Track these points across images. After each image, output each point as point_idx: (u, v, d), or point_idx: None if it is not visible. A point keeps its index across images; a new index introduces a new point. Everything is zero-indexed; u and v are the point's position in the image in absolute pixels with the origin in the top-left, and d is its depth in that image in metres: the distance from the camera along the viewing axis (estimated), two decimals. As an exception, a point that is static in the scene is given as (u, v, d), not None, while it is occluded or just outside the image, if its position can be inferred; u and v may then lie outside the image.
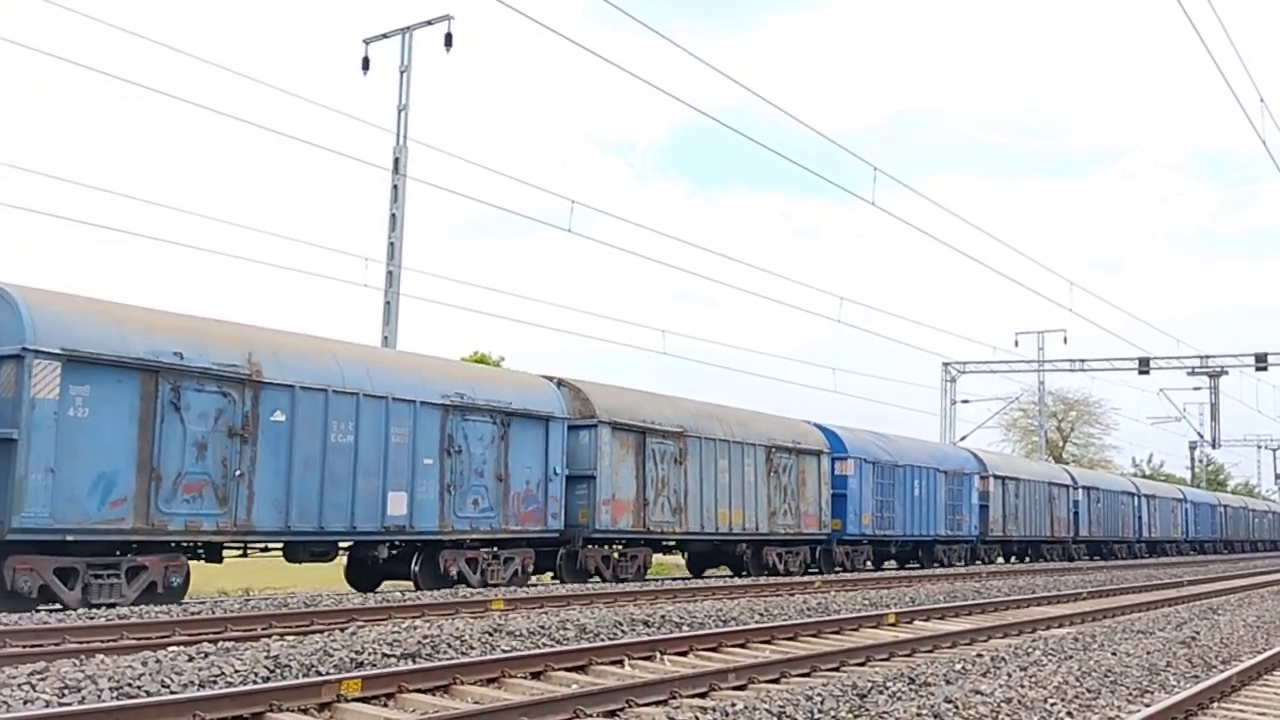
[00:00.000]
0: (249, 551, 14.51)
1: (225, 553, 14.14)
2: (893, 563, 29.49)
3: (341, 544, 15.29)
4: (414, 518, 15.45)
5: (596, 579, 18.97)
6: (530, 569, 17.74)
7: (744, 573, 22.81)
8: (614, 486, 18.98)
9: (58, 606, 11.77)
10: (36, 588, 11.60)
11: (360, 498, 14.69)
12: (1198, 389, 47.23)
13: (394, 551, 15.84)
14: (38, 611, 11.44)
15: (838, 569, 25.12)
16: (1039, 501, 35.03)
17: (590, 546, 18.85)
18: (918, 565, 29.14)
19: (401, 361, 16.40)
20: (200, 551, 13.82)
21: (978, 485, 31.27)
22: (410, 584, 16.23)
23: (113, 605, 11.91)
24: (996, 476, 32.31)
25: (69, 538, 11.74)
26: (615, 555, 19.42)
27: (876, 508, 26.37)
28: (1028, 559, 35.51)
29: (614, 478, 18.99)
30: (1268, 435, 75.55)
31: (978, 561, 31.14)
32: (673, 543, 21.46)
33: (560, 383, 18.97)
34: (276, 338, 14.42)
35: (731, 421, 22.28)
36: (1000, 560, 33.37)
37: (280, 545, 14.56)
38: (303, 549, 14.61)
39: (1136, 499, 44.17)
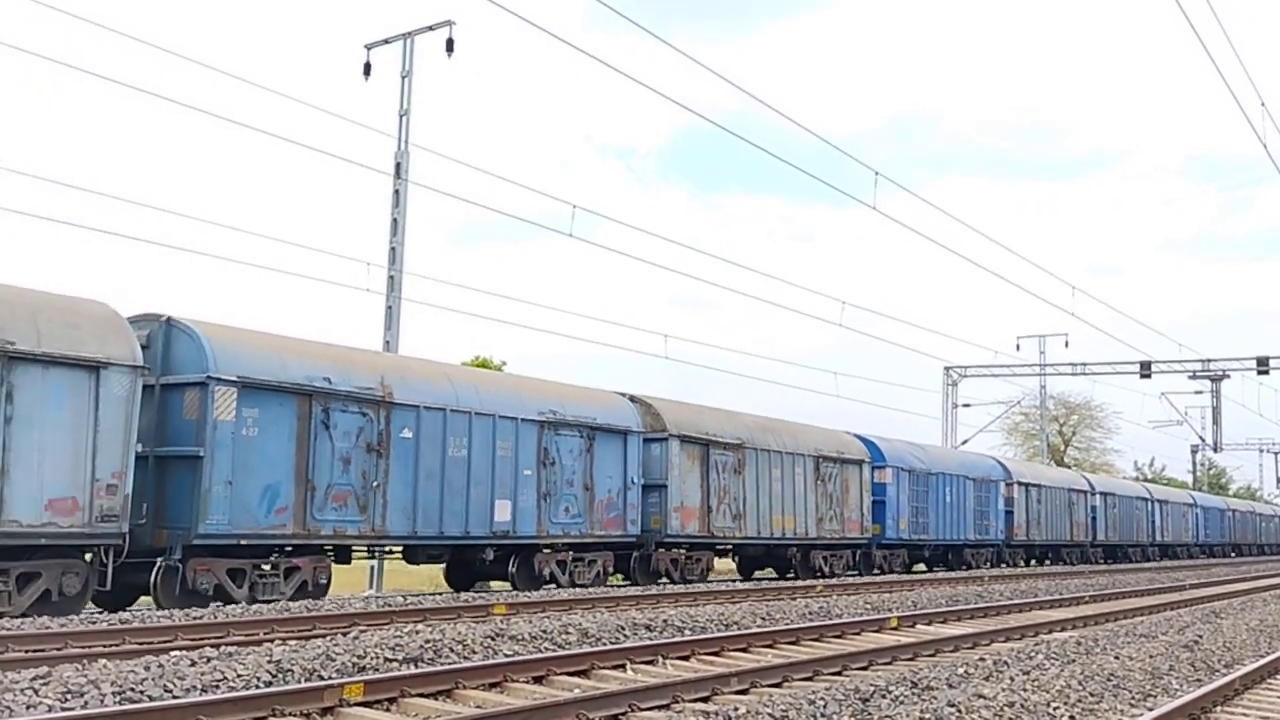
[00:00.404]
0: (375, 553, 16.14)
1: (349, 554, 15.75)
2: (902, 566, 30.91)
3: (453, 547, 16.88)
4: (516, 523, 17.08)
5: (665, 580, 20.58)
6: (610, 570, 19.36)
7: (791, 574, 24.43)
8: (682, 495, 20.60)
9: (221, 603, 13.34)
10: (212, 586, 13.22)
11: (473, 505, 16.33)
12: (1199, 393, 47.04)
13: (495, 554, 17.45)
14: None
15: (876, 571, 26.74)
16: (1059, 507, 36.62)
17: (661, 550, 20.47)
18: (945, 568, 30.71)
19: (504, 382, 18.03)
20: (329, 553, 15.42)
21: (1003, 491, 32.89)
22: (508, 584, 17.85)
23: (273, 601, 13.51)
24: (1021, 483, 33.92)
25: (242, 542, 13.37)
26: (682, 558, 21.04)
27: (912, 513, 27.99)
28: (1048, 562, 37.12)
29: (682, 487, 20.61)
30: (1269, 439, 75.90)
31: (1003, 564, 32.72)
32: (730, 547, 23.06)
33: (633, 399, 20.57)
34: (402, 362, 16.06)
35: (783, 433, 23.90)
36: (1023, 564, 34.99)
37: (401, 548, 16.19)
38: (422, 551, 16.27)
39: (1150, 504, 45.75)
